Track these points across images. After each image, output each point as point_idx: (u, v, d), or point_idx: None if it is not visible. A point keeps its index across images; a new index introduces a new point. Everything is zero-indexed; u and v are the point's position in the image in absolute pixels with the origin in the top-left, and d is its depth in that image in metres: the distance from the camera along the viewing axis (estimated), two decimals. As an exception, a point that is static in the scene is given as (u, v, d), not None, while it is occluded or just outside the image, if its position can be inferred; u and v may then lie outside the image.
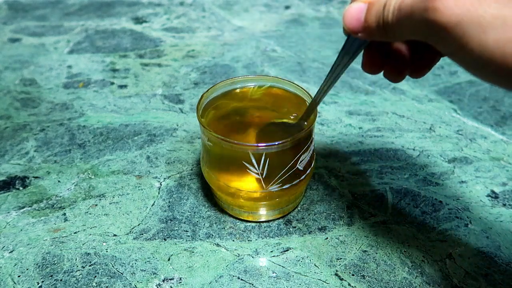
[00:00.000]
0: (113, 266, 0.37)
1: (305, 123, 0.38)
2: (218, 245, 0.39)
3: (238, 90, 0.43)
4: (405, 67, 0.31)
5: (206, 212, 0.43)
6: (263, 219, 0.41)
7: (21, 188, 0.45)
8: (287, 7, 0.88)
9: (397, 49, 0.31)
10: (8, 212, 0.43)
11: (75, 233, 0.40)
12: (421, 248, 0.39)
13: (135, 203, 0.44)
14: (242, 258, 0.38)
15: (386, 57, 0.31)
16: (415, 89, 0.61)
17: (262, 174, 0.37)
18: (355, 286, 0.36)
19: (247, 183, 0.38)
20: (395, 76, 0.31)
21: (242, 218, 0.42)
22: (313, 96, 0.37)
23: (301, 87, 0.41)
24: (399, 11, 0.23)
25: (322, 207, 0.43)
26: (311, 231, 0.41)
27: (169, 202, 0.44)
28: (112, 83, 0.63)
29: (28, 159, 0.49)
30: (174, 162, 0.49)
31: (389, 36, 0.25)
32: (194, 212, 0.43)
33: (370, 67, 0.31)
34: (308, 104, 0.38)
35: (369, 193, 0.45)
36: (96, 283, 0.36)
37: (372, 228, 0.41)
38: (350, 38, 0.30)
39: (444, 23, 0.21)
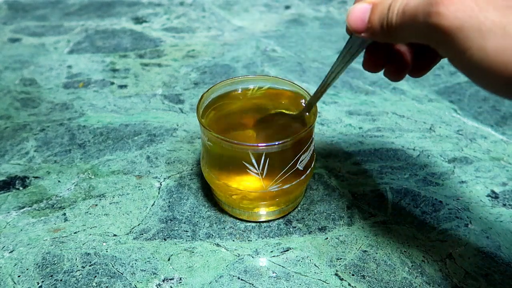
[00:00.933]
0: (113, 266, 0.37)
1: (307, 113, 0.39)
2: (218, 245, 0.39)
3: (238, 90, 0.43)
4: (405, 67, 0.31)
5: (206, 212, 0.43)
6: (263, 219, 0.41)
7: (21, 188, 0.45)
8: (287, 7, 0.88)
9: (398, 50, 0.31)
10: (8, 212, 0.43)
11: (75, 233, 0.40)
12: (421, 248, 0.39)
13: (135, 203, 0.44)
14: (242, 258, 0.38)
15: (387, 56, 0.31)
16: (415, 89, 0.61)
17: (262, 174, 0.37)
18: (355, 286, 0.36)
19: (247, 183, 0.38)
20: (395, 75, 0.32)
21: (242, 218, 0.42)
22: (314, 91, 0.37)
23: (301, 87, 0.41)
24: (403, 14, 0.24)
25: (322, 207, 0.43)
26: (311, 231, 0.41)
27: (169, 202, 0.44)
28: (112, 83, 0.63)
29: (28, 159, 0.49)
30: (174, 162, 0.49)
31: (392, 37, 0.26)
32: (194, 212, 0.43)
33: (370, 65, 0.32)
34: (308, 99, 0.39)
35: (369, 193, 0.45)
36: (96, 283, 0.36)
37: (372, 228, 0.41)
38: (352, 37, 0.30)
39: (447, 27, 0.21)
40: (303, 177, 0.39)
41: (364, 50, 0.31)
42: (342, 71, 0.33)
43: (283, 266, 0.37)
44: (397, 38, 0.26)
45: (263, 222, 0.41)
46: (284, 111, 0.40)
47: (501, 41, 0.20)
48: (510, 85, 0.20)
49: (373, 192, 0.45)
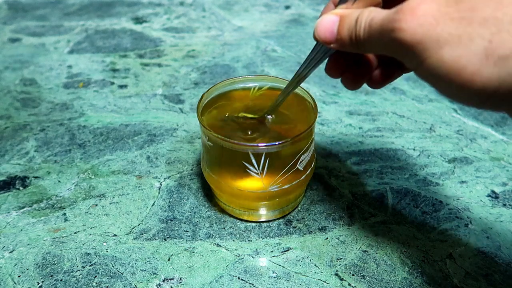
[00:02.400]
0: (113, 266, 0.37)
1: (270, 117, 0.40)
2: (218, 245, 0.39)
3: (238, 90, 0.43)
4: (364, 76, 0.33)
5: (206, 212, 0.43)
6: (263, 219, 0.41)
7: (21, 188, 0.45)
8: (287, 7, 0.88)
9: (363, 58, 0.32)
10: (8, 212, 0.43)
11: (75, 233, 0.40)
12: (421, 248, 0.39)
13: (135, 203, 0.44)
14: (242, 258, 0.38)
15: (350, 64, 0.32)
16: (415, 89, 0.61)
17: (262, 174, 0.37)
18: (355, 286, 0.36)
19: (247, 183, 0.38)
20: (352, 83, 0.33)
21: (242, 218, 0.42)
22: (279, 95, 0.38)
23: (301, 87, 0.41)
24: (369, 27, 0.25)
25: (322, 207, 0.43)
26: (311, 231, 0.41)
27: (169, 202, 0.44)
28: (112, 83, 0.63)
29: (28, 159, 0.49)
30: (174, 162, 0.49)
31: (361, 49, 0.27)
32: (194, 212, 0.43)
33: (332, 71, 0.33)
34: (272, 103, 0.39)
35: (369, 193, 0.45)
36: (96, 283, 0.36)
37: (372, 228, 0.41)
38: (318, 44, 0.31)
39: (408, 41, 0.22)
40: (303, 177, 0.39)
41: (328, 57, 0.32)
42: (306, 76, 0.34)
43: (283, 266, 0.37)
44: (365, 50, 0.27)
45: (263, 222, 0.41)
46: (246, 115, 0.41)
47: (456, 50, 0.21)
48: (464, 90, 0.22)
49: (373, 192, 0.45)
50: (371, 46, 0.26)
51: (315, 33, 0.29)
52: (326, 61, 0.33)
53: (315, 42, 0.31)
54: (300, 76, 0.34)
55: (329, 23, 0.28)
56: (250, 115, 0.40)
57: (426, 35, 0.22)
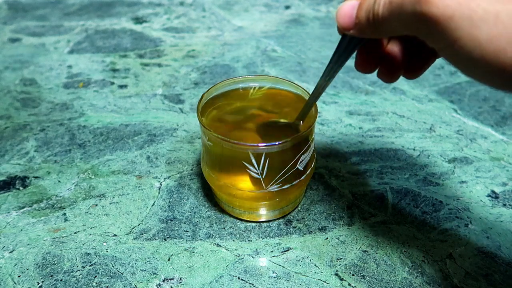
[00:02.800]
0: (113, 266, 0.37)
1: (301, 122, 0.38)
2: (218, 245, 0.39)
3: (238, 90, 0.43)
4: (398, 68, 0.31)
5: (206, 212, 0.43)
6: (263, 219, 0.41)
7: (21, 188, 0.45)
8: (287, 7, 0.88)
9: (390, 50, 0.31)
10: (8, 212, 0.43)
11: (75, 233, 0.40)
12: (421, 248, 0.39)
13: (135, 203, 0.44)
14: (242, 258, 0.38)
15: (380, 57, 0.31)
16: (415, 89, 0.61)
17: (262, 174, 0.37)
18: (355, 286, 0.36)
19: (247, 183, 0.38)
20: (388, 76, 0.31)
21: (242, 218, 0.42)
22: (309, 95, 0.37)
23: (302, 87, 0.41)
24: (389, 4, 0.23)
25: (322, 207, 0.43)
26: (311, 231, 0.41)
27: (169, 202, 0.44)
28: (112, 83, 0.63)
29: (28, 159, 0.49)
30: (174, 162, 0.49)
31: (379, 31, 0.25)
32: (194, 212, 0.43)
33: (363, 66, 0.31)
34: (305, 103, 0.38)
35: (369, 193, 0.45)
36: (96, 283, 0.36)
37: (372, 228, 0.41)
38: (344, 38, 0.30)
39: (436, 16, 0.20)
40: (303, 177, 0.39)
41: (355, 51, 0.31)
42: (335, 74, 0.33)
43: (283, 266, 0.37)
44: (384, 31, 0.25)
45: (263, 222, 0.41)
46: (278, 120, 0.40)
47: (493, 28, 0.19)
48: (502, 74, 0.20)
49: (373, 192, 0.45)
50: (390, 26, 0.23)
51: (336, 21, 0.27)
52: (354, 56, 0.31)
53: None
54: (328, 75, 0.33)
55: (348, 7, 0.26)
56: (282, 120, 0.40)
57: (457, 11, 0.19)
